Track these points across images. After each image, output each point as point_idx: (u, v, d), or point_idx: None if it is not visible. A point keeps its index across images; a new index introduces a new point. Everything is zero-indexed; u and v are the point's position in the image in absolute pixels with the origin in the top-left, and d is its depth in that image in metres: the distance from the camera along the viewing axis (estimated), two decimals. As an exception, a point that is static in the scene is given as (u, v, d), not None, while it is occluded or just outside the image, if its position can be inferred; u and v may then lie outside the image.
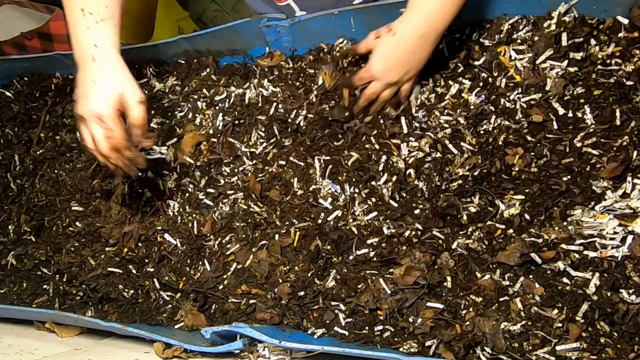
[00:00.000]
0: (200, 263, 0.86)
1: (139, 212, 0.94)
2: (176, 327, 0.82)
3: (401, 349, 0.67)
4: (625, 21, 0.76)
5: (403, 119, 0.83)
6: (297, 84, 0.96)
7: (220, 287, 0.82)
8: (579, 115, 0.76)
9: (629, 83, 0.74)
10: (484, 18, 0.85)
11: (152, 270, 0.88)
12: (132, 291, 0.87)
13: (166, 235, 0.90)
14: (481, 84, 0.83)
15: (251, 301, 0.79)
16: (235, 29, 1.00)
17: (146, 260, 0.89)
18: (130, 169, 0.75)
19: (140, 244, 0.92)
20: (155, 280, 0.86)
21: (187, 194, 0.94)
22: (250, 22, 0.98)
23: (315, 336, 0.73)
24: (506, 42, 0.83)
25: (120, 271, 0.89)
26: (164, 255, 0.88)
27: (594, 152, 0.72)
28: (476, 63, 0.84)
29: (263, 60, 1.02)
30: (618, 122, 0.72)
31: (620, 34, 0.76)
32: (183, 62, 1.09)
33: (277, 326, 0.76)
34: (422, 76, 0.84)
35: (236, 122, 0.96)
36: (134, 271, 0.89)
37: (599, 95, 0.76)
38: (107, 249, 0.93)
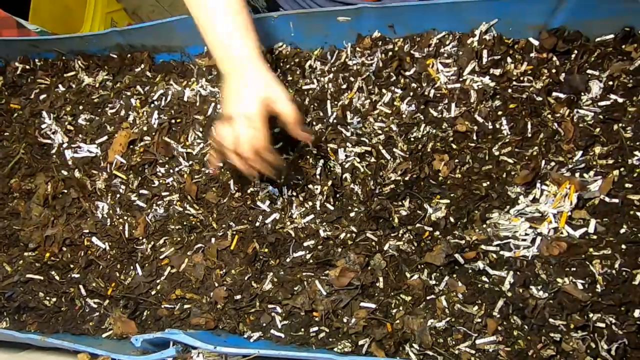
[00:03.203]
0: (132, 268, 0.78)
1: (63, 214, 0.84)
2: (104, 336, 0.74)
3: (335, 349, 0.65)
4: (536, 42, 0.80)
5: (339, 126, 0.81)
6: (236, 85, 0.90)
7: (153, 292, 0.75)
8: (497, 126, 0.79)
9: (539, 99, 0.78)
10: (415, 32, 0.86)
11: (77, 276, 0.78)
12: (54, 299, 0.77)
13: (94, 239, 0.81)
14: (411, 93, 0.83)
15: (185, 306, 0.73)
16: (172, 26, 0.92)
17: (71, 266, 0.79)
18: (269, 170, 0.69)
19: (64, 249, 0.81)
20: (81, 286, 0.77)
21: (118, 195, 0.85)
22: (189, 19, 0.91)
23: (251, 340, 0.69)
24: (434, 56, 0.84)
25: (42, 278, 0.79)
26: (92, 260, 0.79)
27: (510, 160, 0.75)
28: (407, 73, 0.84)
29: (201, 59, 0.95)
30: (529, 134, 0.76)
31: (532, 54, 0.80)
32: (115, 56, 0.99)
33: (213, 331, 0.71)
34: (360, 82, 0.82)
35: (172, 121, 0.89)
36: (57, 277, 0.79)
37: (514, 109, 0.79)
38: (26, 254, 0.81)
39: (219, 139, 0.68)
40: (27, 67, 1.03)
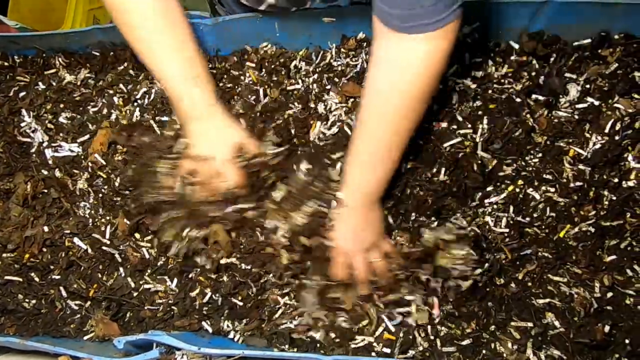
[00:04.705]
0: (114, 269, 0.76)
1: (44, 215, 0.81)
2: (85, 338, 0.71)
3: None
4: (516, 46, 0.81)
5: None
6: (221, 84, 0.88)
7: (136, 293, 0.73)
8: (478, 125, 0.79)
9: (518, 100, 0.79)
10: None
11: (58, 277, 0.76)
12: (34, 301, 0.75)
13: (75, 240, 0.78)
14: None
15: (169, 307, 0.71)
16: (155, 24, 0.90)
17: (51, 267, 0.77)
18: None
19: (45, 249, 0.79)
20: (61, 288, 0.74)
21: (101, 195, 0.82)
22: (172, 18, 0.88)
23: (236, 340, 0.68)
24: (418, 57, 0.84)
25: (20, 279, 0.76)
26: (73, 261, 0.77)
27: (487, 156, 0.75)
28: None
29: (185, 58, 0.93)
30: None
31: (512, 57, 0.81)
32: (97, 54, 0.96)
33: (197, 332, 0.70)
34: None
35: (156, 119, 0.87)
36: (36, 279, 0.76)
37: (494, 109, 0.80)
38: (4, 255, 0.78)
39: (186, 174, 0.70)
40: (6, 64, 0.99)
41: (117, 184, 0.82)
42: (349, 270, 0.68)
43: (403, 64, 0.59)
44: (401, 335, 0.66)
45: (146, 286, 0.74)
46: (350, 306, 0.67)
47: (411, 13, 0.55)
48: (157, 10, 0.67)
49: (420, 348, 0.65)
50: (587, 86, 0.76)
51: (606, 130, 0.72)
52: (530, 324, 0.66)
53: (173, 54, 0.68)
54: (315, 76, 0.85)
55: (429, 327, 0.67)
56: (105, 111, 0.89)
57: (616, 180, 0.70)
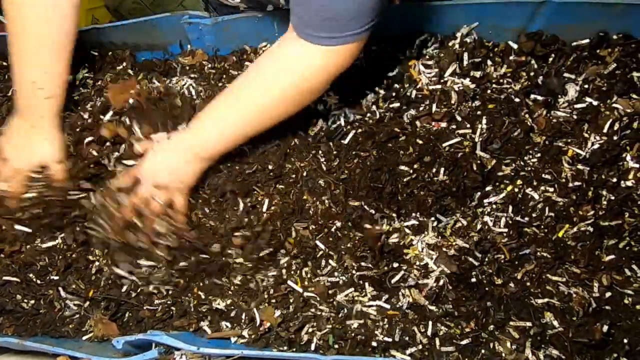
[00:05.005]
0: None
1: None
2: (84, 338, 0.71)
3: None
4: (515, 46, 0.81)
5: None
6: (220, 84, 0.88)
7: (135, 294, 0.73)
8: (477, 125, 0.79)
9: (517, 100, 0.79)
10: (397, 34, 0.85)
11: (56, 278, 0.75)
12: (32, 301, 0.74)
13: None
14: (394, 94, 0.82)
15: (168, 307, 0.71)
16: (155, 24, 0.90)
17: (50, 268, 0.76)
18: None
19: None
20: (60, 288, 0.74)
21: (99, 195, 0.82)
22: (171, 18, 0.89)
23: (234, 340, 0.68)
24: (416, 57, 0.83)
25: (19, 280, 0.75)
26: (71, 262, 0.76)
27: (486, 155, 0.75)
28: (390, 74, 0.84)
29: (184, 58, 0.93)
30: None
31: (511, 57, 0.81)
32: (96, 54, 0.95)
33: (196, 332, 0.69)
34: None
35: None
36: (35, 280, 0.76)
37: (493, 109, 0.79)
38: (1, 255, 0.78)
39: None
40: (4, 63, 0.98)
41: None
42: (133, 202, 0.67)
43: (296, 66, 0.62)
44: (398, 332, 0.66)
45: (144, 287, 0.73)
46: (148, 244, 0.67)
47: (324, 24, 0.57)
48: (49, 10, 0.69)
49: (420, 347, 0.65)
50: (586, 86, 0.76)
51: (605, 130, 0.72)
52: (529, 324, 0.66)
53: (43, 47, 0.70)
54: (315, 76, 0.85)
55: (429, 325, 0.66)
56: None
57: (615, 180, 0.70)
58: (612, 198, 0.70)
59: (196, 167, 0.69)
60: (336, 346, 0.65)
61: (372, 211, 0.72)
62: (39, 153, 0.72)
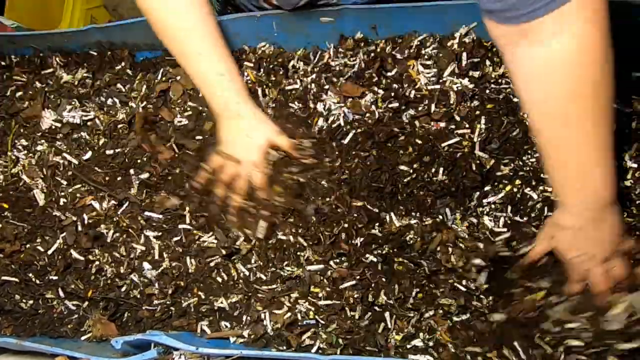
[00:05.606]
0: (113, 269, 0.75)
1: (41, 214, 0.80)
2: (83, 338, 0.71)
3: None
4: (514, 46, 0.80)
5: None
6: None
7: (134, 294, 0.73)
8: (475, 124, 0.78)
9: (515, 100, 0.79)
10: (397, 33, 0.85)
11: (55, 278, 0.75)
12: (31, 301, 0.74)
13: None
14: (393, 94, 0.82)
15: (167, 308, 0.71)
16: (153, 23, 0.89)
17: (49, 269, 0.76)
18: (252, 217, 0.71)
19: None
20: (59, 289, 0.74)
21: (98, 195, 0.82)
22: (170, 18, 0.88)
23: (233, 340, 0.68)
24: (415, 57, 0.83)
25: (17, 280, 0.75)
26: (70, 262, 0.76)
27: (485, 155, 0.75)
28: (389, 74, 0.84)
29: (183, 58, 0.92)
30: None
31: (510, 57, 0.80)
32: (95, 53, 0.95)
33: (195, 332, 0.69)
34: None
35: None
36: (34, 279, 0.75)
37: (492, 109, 0.79)
38: (1, 255, 0.78)
39: (214, 168, 0.71)
40: (3, 63, 0.98)
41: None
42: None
43: (550, 68, 0.51)
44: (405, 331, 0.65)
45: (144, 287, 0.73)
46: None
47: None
48: (189, 7, 0.69)
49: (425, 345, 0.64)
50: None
51: (603, 130, 0.72)
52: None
53: (204, 51, 0.69)
54: (314, 76, 0.85)
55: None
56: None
57: (613, 179, 0.70)
58: (611, 198, 0.70)
59: (610, 213, 0.59)
60: (339, 345, 0.64)
61: (376, 210, 0.72)
62: (261, 135, 0.70)
